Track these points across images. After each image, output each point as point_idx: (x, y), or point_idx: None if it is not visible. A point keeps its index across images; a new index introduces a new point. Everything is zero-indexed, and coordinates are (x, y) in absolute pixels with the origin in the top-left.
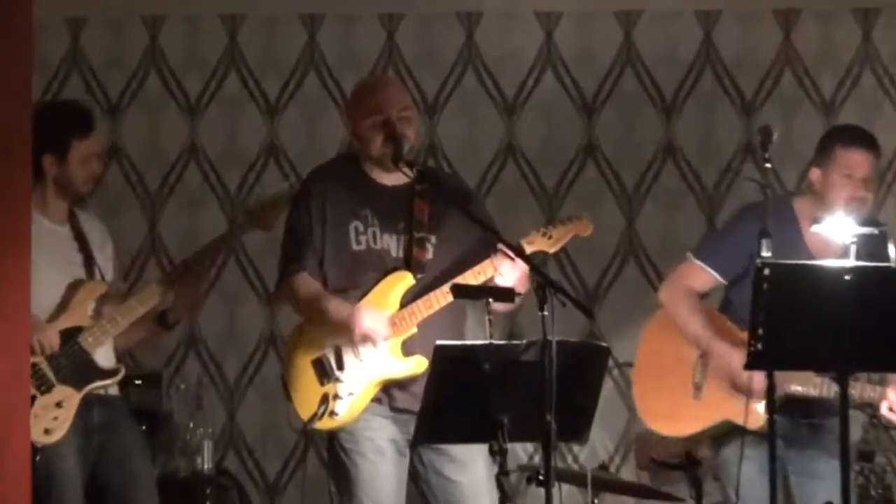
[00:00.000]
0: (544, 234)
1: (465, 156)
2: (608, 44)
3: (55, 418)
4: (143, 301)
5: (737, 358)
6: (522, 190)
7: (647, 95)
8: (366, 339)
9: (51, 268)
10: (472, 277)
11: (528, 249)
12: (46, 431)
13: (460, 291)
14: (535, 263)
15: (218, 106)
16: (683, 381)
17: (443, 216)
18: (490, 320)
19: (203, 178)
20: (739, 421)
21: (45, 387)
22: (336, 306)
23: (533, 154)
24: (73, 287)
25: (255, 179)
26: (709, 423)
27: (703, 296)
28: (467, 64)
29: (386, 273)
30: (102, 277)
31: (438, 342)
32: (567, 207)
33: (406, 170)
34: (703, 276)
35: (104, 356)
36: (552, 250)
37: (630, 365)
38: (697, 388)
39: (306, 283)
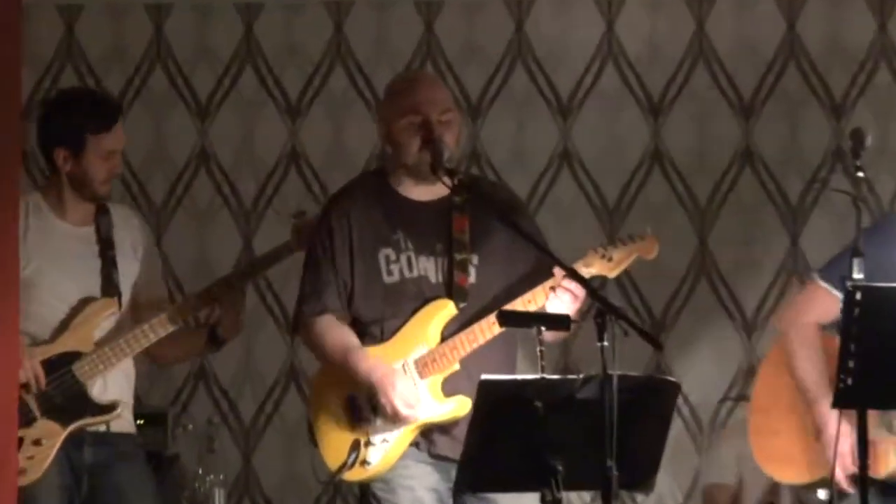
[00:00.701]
0: (603, 256)
1: (514, 164)
2: (677, 35)
3: (31, 457)
4: (155, 328)
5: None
6: (579, 203)
7: (723, 94)
8: (394, 410)
9: (60, 275)
10: (522, 305)
11: (585, 273)
12: (20, 471)
13: (507, 319)
14: (594, 287)
15: (232, 106)
16: (804, 421)
17: (486, 232)
18: (542, 352)
19: (215, 189)
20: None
21: (24, 420)
22: (366, 367)
23: (591, 162)
24: (83, 303)
25: (273, 191)
26: (828, 471)
27: (829, 326)
28: (516, 58)
29: (425, 301)
30: (119, 293)
31: (483, 377)
32: (631, 223)
33: (445, 179)
34: (832, 303)
35: (102, 388)
36: (612, 275)
37: (725, 400)
38: (819, 430)
39: (330, 327)
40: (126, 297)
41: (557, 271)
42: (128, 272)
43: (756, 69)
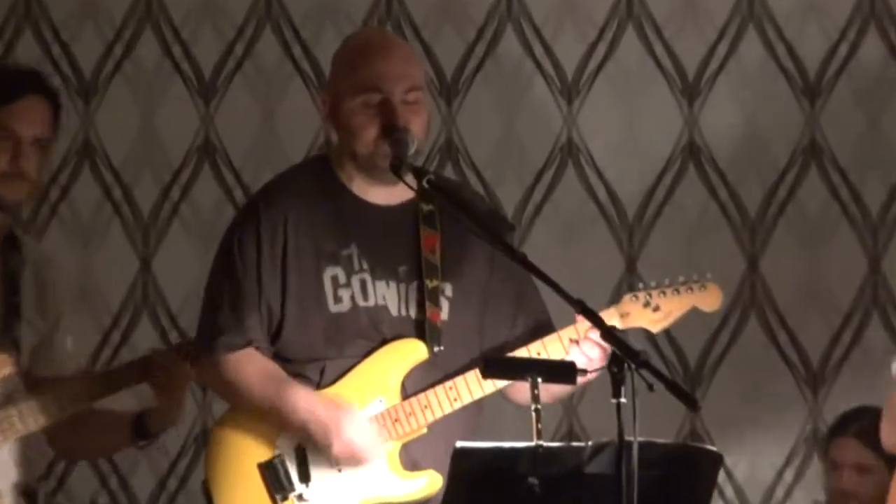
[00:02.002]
0: (647, 304)
1: (501, 161)
2: None
3: None
4: (25, 418)
5: None
6: (587, 213)
7: (780, 68)
8: (350, 460)
9: None
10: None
11: (620, 324)
12: None
13: (492, 367)
14: (615, 332)
15: (125, 82)
16: None
17: (463, 255)
18: (538, 411)
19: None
20: None
21: None
22: (308, 405)
23: (604, 158)
24: None
25: (181, 194)
26: None
27: None
28: (505, 20)
29: (383, 341)
30: (18, 350)
31: (459, 444)
32: (658, 241)
33: (410, 180)
34: None
35: None
36: (656, 329)
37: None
38: None
39: (253, 362)
40: (24, 360)
41: (582, 319)
42: (35, 326)
43: (826, 35)
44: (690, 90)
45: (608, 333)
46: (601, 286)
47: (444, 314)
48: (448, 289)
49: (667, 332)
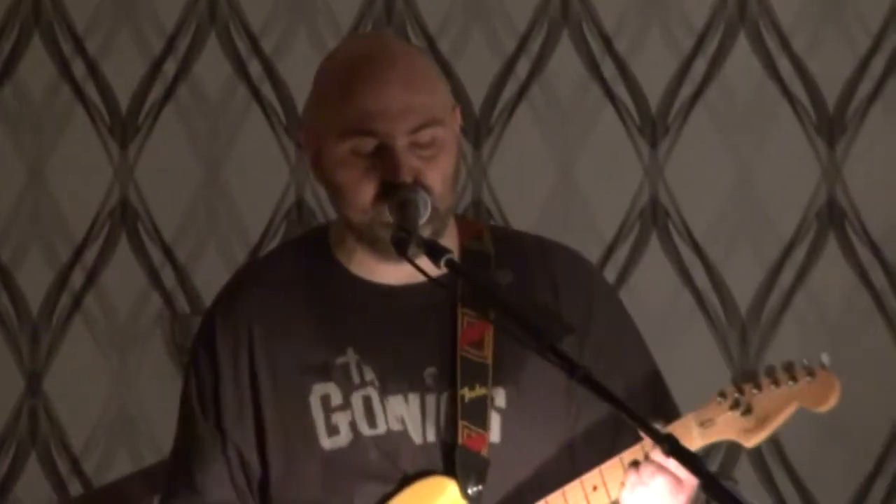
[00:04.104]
0: (735, 406)
1: (548, 222)
2: None
3: None
4: None
5: None
6: (680, 300)
7: None
8: None
9: None
10: (581, 495)
11: (696, 438)
12: None
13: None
14: (706, 467)
15: (179, 116)
16: None
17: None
18: None
19: (147, 274)
20: None
21: None
22: None
23: (699, 221)
24: None
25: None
26: None
27: None
28: (561, 23)
29: (405, 480)
30: None
31: None
32: (776, 337)
33: (421, 261)
34: None
35: None
36: (750, 443)
37: None
38: None
39: None
40: None
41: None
42: None
43: None
44: (830, 125)
45: (701, 469)
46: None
47: (495, 434)
48: (501, 396)
49: (783, 461)
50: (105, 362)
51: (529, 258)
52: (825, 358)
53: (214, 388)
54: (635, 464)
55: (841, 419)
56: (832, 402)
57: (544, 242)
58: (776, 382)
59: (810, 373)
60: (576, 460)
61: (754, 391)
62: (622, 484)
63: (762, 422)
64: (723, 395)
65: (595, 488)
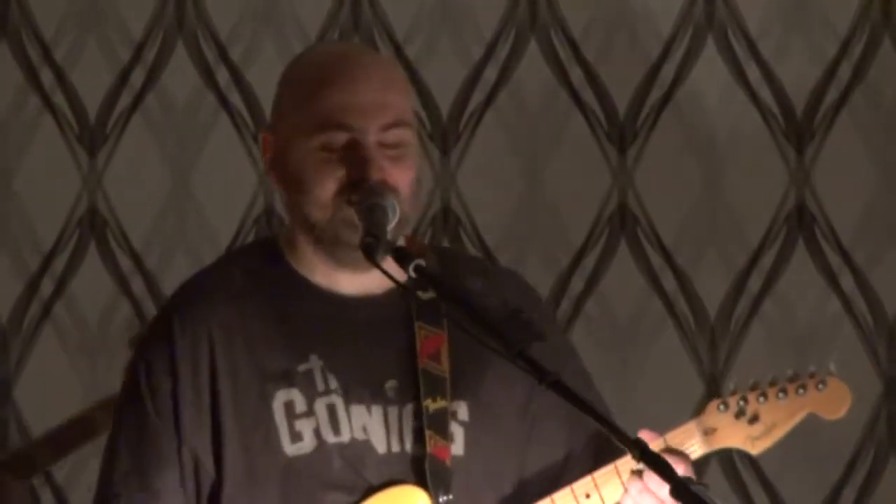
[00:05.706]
0: (739, 414)
1: (515, 231)
2: None
3: None
4: None
5: None
6: (652, 310)
7: None
8: None
9: None
10: (572, 500)
11: (702, 447)
12: None
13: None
14: (676, 473)
15: (147, 124)
16: None
17: (481, 358)
18: None
19: (116, 282)
20: None
21: None
22: None
23: (669, 227)
24: None
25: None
26: None
27: None
28: (529, 25)
29: (368, 490)
30: None
31: None
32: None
33: (390, 264)
34: None
35: None
36: (755, 450)
37: None
38: None
39: None
40: None
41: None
42: None
43: None
44: (798, 131)
45: (679, 486)
46: (675, 409)
47: (459, 447)
48: (463, 409)
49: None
50: (75, 370)
51: (477, 278)
52: (833, 366)
53: (172, 390)
54: (638, 472)
55: (811, 425)
56: (844, 409)
57: (486, 264)
58: (784, 391)
59: (822, 381)
60: (531, 480)
61: (761, 399)
62: (625, 490)
63: (770, 429)
64: (725, 404)
65: (588, 495)
